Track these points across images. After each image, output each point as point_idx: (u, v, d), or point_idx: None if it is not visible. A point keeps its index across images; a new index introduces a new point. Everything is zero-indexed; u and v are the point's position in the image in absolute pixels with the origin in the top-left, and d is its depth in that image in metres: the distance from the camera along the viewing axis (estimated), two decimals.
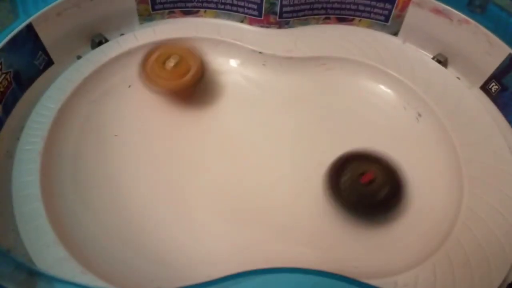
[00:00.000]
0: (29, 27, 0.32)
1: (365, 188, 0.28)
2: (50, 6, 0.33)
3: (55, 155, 0.30)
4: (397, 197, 0.29)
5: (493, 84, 0.35)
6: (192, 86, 0.33)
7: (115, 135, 0.33)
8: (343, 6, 0.39)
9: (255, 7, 0.38)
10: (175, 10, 0.39)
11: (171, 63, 0.32)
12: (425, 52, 0.39)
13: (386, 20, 0.39)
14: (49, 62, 0.35)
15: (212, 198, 0.30)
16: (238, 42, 0.37)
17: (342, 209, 0.29)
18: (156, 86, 0.32)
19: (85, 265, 0.24)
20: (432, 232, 0.28)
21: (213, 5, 0.39)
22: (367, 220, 0.29)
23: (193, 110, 0.35)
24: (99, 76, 0.35)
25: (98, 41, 0.37)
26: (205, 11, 0.40)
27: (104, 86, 0.35)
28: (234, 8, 0.39)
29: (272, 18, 0.39)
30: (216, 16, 0.40)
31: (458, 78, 0.37)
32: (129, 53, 0.36)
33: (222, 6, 0.39)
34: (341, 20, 0.40)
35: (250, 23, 0.39)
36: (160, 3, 0.39)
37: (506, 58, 0.33)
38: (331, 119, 0.35)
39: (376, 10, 0.39)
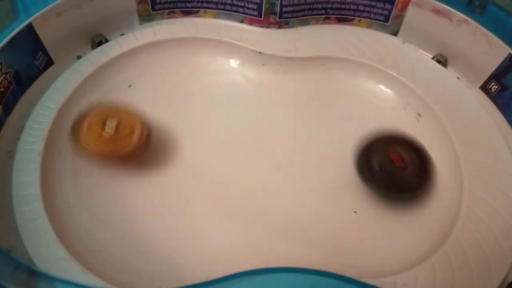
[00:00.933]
0: (29, 27, 0.32)
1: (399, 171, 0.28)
2: (50, 6, 0.33)
3: (55, 155, 0.30)
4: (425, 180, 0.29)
5: (493, 84, 0.35)
6: (142, 147, 0.29)
7: None
8: (343, 6, 0.39)
9: (255, 7, 0.38)
10: (175, 10, 0.39)
11: (110, 127, 0.28)
12: (425, 52, 0.39)
13: (386, 20, 0.39)
14: (49, 62, 0.35)
15: (212, 198, 0.30)
16: (238, 42, 0.37)
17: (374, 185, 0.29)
18: (96, 152, 0.28)
19: (85, 265, 0.24)
20: (432, 232, 0.28)
21: (213, 5, 0.39)
22: (394, 200, 0.29)
23: (193, 110, 0.35)
24: (99, 76, 0.35)
25: (98, 41, 0.37)
26: (205, 11, 0.40)
27: (104, 86, 0.35)
28: (234, 8, 0.39)
29: (272, 18, 0.39)
30: (216, 16, 0.40)
31: (458, 78, 0.37)
32: (129, 53, 0.36)
33: (222, 6, 0.39)
34: (341, 20, 0.40)
35: (250, 23, 0.39)
36: (160, 3, 0.39)
37: (506, 58, 0.33)
38: (331, 119, 0.35)
39: (376, 10, 0.39)
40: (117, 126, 0.28)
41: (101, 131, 0.27)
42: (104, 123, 0.28)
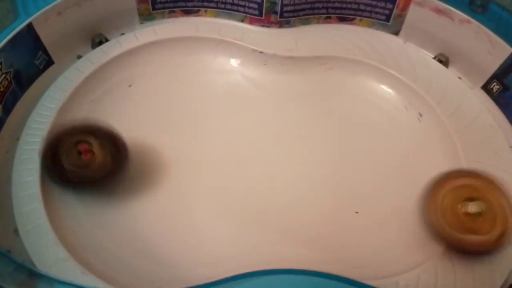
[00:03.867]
0: (30, 27, 0.32)
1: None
2: (50, 5, 0.33)
3: None
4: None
5: (495, 84, 0.35)
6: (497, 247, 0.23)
7: None
8: (344, 5, 0.39)
9: (256, 6, 0.38)
10: (175, 9, 0.39)
11: (474, 208, 0.23)
12: (426, 52, 0.39)
13: (387, 19, 0.39)
14: (49, 62, 0.35)
15: (213, 199, 0.30)
16: (238, 42, 0.37)
17: None
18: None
19: (85, 266, 0.24)
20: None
21: (213, 5, 0.39)
22: None
23: (194, 110, 0.35)
24: (99, 75, 0.34)
25: (98, 41, 0.37)
26: (206, 10, 0.40)
27: (105, 85, 0.35)
28: (235, 8, 0.39)
29: (272, 18, 0.39)
30: (217, 15, 0.40)
31: (460, 78, 0.37)
32: (130, 52, 0.36)
33: (223, 6, 0.39)
34: (342, 19, 0.40)
35: (251, 22, 0.39)
36: (161, 2, 0.38)
37: (508, 57, 0.33)
38: (332, 119, 0.35)
39: (377, 9, 0.39)
40: (479, 214, 0.23)
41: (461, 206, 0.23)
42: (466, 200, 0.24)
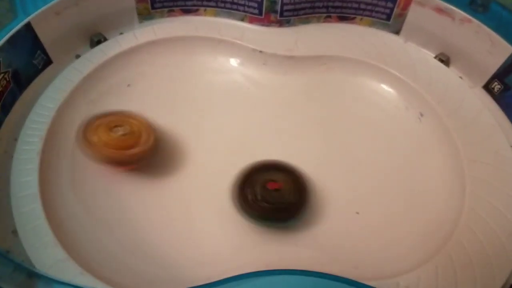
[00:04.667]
0: (28, 26, 0.32)
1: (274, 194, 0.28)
2: (49, 5, 0.33)
3: (54, 156, 0.30)
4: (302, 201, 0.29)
5: (496, 83, 0.35)
6: (148, 153, 0.29)
7: None
8: (345, 4, 0.39)
9: (256, 5, 0.38)
10: (174, 8, 0.39)
11: (119, 132, 0.28)
12: (427, 51, 0.39)
13: (388, 19, 0.39)
14: (48, 61, 0.35)
15: (213, 199, 0.30)
16: (238, 41, 0.37)
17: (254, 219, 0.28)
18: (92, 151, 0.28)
19: (84, 266, 0.24)
20: (434, 233, 0.28)
21: (213, 4, 0.39)
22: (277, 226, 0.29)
23: (193, 109, 0.35)
24: (98, 75, 0.34)
25: (97, 40, 0.37)
26: (205, 9, 0.40)
27: (103, 85, 0.35)
28: (235, 7, 0.39)
29: (272, 17, 0.38)
30: (216, 14, 0.40)
31: (461, 78, 0.37)
32: (129, 52, 0.36)
33: (222, 5, 0.39)
34: (343, 18, 0.40)
35: (251, 21, 0.39)
36: (160, 1, 0.38)
37: (509, 57, 0.33)
38: (332, 118, 0.35)
39: (377, 8, 0.38)
40: (125, 133, 0.29)
41: (110, 135, 0.28)
42: (111, 130, 0.28)
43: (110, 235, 0.28)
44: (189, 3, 0.39)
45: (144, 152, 0.29)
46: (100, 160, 0.28)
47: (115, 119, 0.29)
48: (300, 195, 0.29)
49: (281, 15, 0.38)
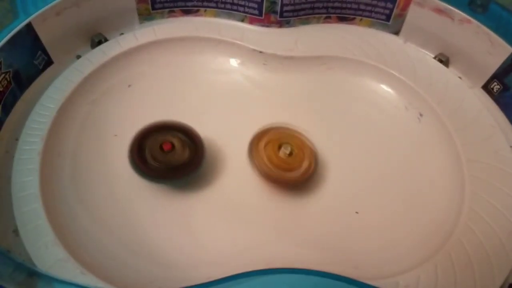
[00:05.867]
0: (29, 27, 0.32)
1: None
2: (49, 5, 0.33)
3: (54, 155, 0.30)
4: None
5: (495, 83, 0.35)
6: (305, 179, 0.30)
7: (115, 135, 0.33)
8: (344, 5, 0.39)
9: (256, 6, 0.38)
10: (175, 9, 0.39)
11: (286, 151, 0.29)
12: (426, 52, 0.39)
13: (387, 19, 0.39)
14: (49, 62, 0.35)
15: (213, 199, 0.30)
16: (238, 42, 0.37)
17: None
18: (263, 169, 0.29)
19: (85, 266, 0.24)
20: (434, 233, 0.28)
21: (213, 4, 0.39)
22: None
23: (193, 110, 0.35)
24: (98, 75, 0.34)
25: (97, 41, 0.37)
26: (205, 10, 0.40)
27: (104, 85, 0.35)
28: (235, 7, 0.39)
29: (272, 17, 0.38)
30: (217, 15, 0.40)
31: (460, 78, 0.37)
32: (129, 52, 0.36)
33: (223, 5, 0.39)
34: (342, 19, 0.40)
35: (251, 22, 0.39)
36: (160, 2, 0.38)
37: (508, 57, 0.33)
38: (332, 119, 0.35)
39: (377, 9, 0.39)
40: (290, 154, 0.29)
41: (276, 154, 0.29)
42: (279, 148, 0.29)
43: (111, 234, 0.28)
44: (189, 4, 0.39)
45: (301, 180, 0.29)
46: (260, 174, 0.29)
47: (284, 136, 0.30)
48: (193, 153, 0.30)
49: (281, 15, 0.38)
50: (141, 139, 0.29)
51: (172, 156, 0.29)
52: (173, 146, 0.29)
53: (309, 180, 0.30)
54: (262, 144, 0.29)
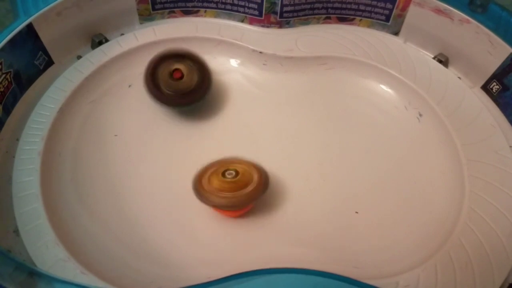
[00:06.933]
0: (29, 27, 0.32)
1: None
2: (50, 6, 0.33)
3: (55, 155, 0.30)
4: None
5: (494, 84, 0.35)
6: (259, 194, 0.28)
7: (115, 135, 0.33)
8: (344, 6, 0.39)
9: (256, 6, 0.38)
10: (175, 9, 0.39)
11: (231, 175, 0.27)
12: (426, 52, 0.39)
13: (387, 19, 0.39)
14: (49, 62, 0.35)
15: None
16: (238, 42, 0.37)
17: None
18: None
19: (85, 265, 0.24)
20: (434, 233, 0.28)
21: (213, 5, 0.39)
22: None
23: (193, 110, 0.35)
24: (99, 76, 0.34)
25: (98, 41, 0.37)
26: (206, 10, 0.40)
27: (104, 86, 0.35)
28: (235, 8, 0.39)
29: (272, 18, 0.39)
30: (217, 15, 0.40)
31: (459, 78, 0.37)
32: (129, 53, 0.36)
33: (223, 6, 0.39)
34: (342, 19, 0.40)
35: (251, 22, 0.39)
36: (160, 2, 0.38)
37: (507, 58, 0.33)
38: (331, 119, 0.35)
39: (377, 9, 0.39)
40: (236, 175, 0.27)
41: (224, 181, 0.27)
42: (223, 175, 0.27)
43: (111, 234, 0.28)
44: (189, 4, 0.39)
45: (258, 190, 0.27)
46: (218, 206, 0.27)
47: (222, 166, 0.28)
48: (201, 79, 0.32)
49: (281, 16, 0.38)
50: (153, 68, 0.32)
51: (182, 84, 0.32)
52: (182, 74, 0.32)
53: (269, 189, 0.28)
54: (205, 181, 0.27)
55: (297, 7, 0.38)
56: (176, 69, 0.32)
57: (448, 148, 0.32)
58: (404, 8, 0.38)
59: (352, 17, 0.40)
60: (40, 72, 0.34)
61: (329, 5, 0.39)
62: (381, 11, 0.39)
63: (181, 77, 0.32)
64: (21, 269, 0.21)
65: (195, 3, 0.39)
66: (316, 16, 0.40)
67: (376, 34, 0.39)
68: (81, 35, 0.37)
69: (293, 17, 0.39)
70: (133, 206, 0.29)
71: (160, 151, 0.32)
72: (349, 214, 0.30)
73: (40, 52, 0.34)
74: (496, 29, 0.34)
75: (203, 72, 0.33)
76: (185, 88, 0.32)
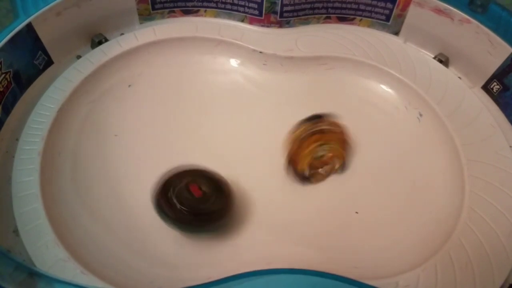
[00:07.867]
0: (29, 27, 0.32)
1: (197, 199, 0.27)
2: (50, 5, 0.33)
3: (54, 155, 0.30)
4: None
5: (495, 83, 0.35)
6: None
7: (115, 135, 0.33)
8: (344, 5, 0.39)
9: (256, 6, 0.38)
10: (175, 9, 0.39)
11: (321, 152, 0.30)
12: (426, 52, 0.39)
13: (387, 19, 0.39)
14: (49, 62, 0.35)
15: None
16: (238, 42, 0.37)
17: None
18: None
19: (84, 266, 0.24)
20: (434, 233, 0.28)
21: (213, 5, 0.39)
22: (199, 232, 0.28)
23: (194, 110, 0.35)
24: (99, 76, 0.34)
25: (98, 41, 0.37)
26: (205, 10, 0.40)
27: (104, 86, 0.35)
28: (235, 8, 0.39)
29: (272, 18, 0.39)
30: (217, 15, 0.40)
31: (460, 78, 0.37)
32: (129, 52, 0.36)
33: (223, 6, 0.39)
34: (342, 19, 0.40)
35: (251, 22, 0.39)
36: (160, 2, 0.38)
37: (508, 57, 0.33)
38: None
39: (377, 9, 0.39)
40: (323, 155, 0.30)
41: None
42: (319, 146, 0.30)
43: (110, 234, 0.28)
44: (189, 4, 0.39)
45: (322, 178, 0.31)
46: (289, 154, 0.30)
47: (325, 138, 0.30)
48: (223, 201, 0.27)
49: (281, 16, 0.38)
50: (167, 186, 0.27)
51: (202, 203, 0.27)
52: (204, 192, 0.27)
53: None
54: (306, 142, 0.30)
55: (297, 7, 0.38)
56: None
57: (448, 148, 0.32)
58: (404, 8, 0.38)
59: (352, 16, 0.40)
60: (40, 72, 0.34)
61: (329, 5, 0.39)
62: (381, 11, 0.39)
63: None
64: (21, 269, 0.21)
65: (195, 3, 0.39)
66: (316, 16, 0.40)
67: (376, 34, 0.39)
68: (80, 35, 0.37)
69: (293, 16, 0.39)
70: (132, 206, 0.29)
71: (160, 151, 0.32)
72: (349, 214, 0.30)
73: (40, 52, 0.33)
74: (496, 29, 0.34)
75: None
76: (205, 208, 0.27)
